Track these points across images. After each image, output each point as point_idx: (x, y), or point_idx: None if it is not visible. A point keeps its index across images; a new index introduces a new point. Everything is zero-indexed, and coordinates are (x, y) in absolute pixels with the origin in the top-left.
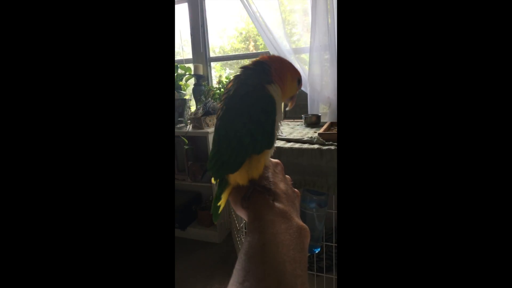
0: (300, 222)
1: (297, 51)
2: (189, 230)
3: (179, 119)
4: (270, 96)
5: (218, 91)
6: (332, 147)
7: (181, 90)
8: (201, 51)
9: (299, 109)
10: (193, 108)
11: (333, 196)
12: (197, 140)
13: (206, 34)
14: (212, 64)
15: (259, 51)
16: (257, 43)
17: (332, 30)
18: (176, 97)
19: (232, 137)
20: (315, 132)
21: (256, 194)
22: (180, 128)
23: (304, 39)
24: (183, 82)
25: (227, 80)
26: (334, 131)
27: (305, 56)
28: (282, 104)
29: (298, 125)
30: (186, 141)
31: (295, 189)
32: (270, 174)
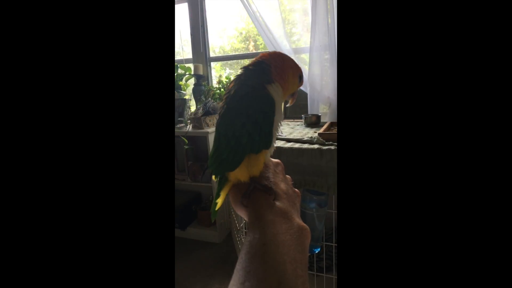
0: (301, 222)
1: (297, 51)
2: (189, 230)
3: (179, 119)
4: (270, 96)
5: (218, 91)
6: (332, 147)
7: (181, 90)
8: (201, 51)
9: (299, 109)
10: (193, 108)
11: (333, 196)
12: (197, 140)
13: (206, 34)
14: (212, 64)
15: (259, 51)
16: (257, 43)
17: (332, 30)
18: (176, 97)
19: (230, 136)
20: (315, 132)
21: (257, 193)
22: (180, 128)
23: (304, 39)
24: (183, 82)
25: (227, 80)
26: (334, 131)
27: (305, 56)
28: (283, 103)
29: (298, 125)
30: (186, 141)
31: (296, 189)
32: (270, 174)
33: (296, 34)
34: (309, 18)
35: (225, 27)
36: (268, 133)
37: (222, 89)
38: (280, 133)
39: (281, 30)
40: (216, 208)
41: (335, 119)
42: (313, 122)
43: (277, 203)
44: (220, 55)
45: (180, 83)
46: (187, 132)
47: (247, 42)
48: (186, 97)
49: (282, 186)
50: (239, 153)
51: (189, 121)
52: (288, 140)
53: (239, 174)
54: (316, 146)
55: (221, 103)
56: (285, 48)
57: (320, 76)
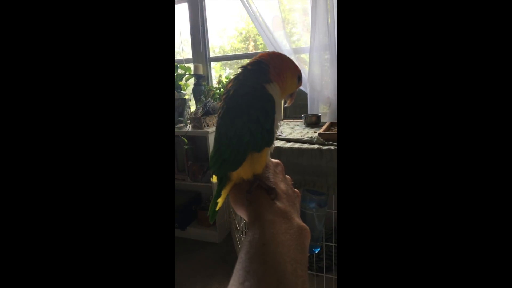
0: (301, 223)
1: (297, 51)
2: (189, 230)
3: (179, 119)
4: (270, 95)
5: (218, 91)
6: (332, 147)
7: (181, 90)
8: (201, 51)
9: (299, 109)
10: (193, 108)
11: (333, 196)
12: (197, 140)
13: (206, 34)
14: (212, 64)
15: (259, 51)
16: (257, 43)
17: (332, 30)
18: (176, 97)
19: (232, 136)
20: (315, 132)
21: (257, 192)
22: (180, 128)
23: (304, 39)
24: (183, 82)
25: (227, 80)
26: (334, 131)
27: (305, 56)
28: (282, 102)
29: (298, 125)
30: (186, 141)
31: (295, 189)
32: (270, 175)
33: (296, 34)
34: (309, 18)
35: (225, 27)
36: (269, 131)
37: (222, 89)
38: (280, 133)
39: (281, 30)
40: (217, 208)
41: (335, 119)
42: (313, 122)
43: (277, 203)
44: (220, 55)
45: (180, 83)
46: (187, 132)
47: (247, 42)
48: (186, 97)
49: (282, 186)
50: (241, 153)
51: (189, 121)
52: (288, 140)
53: (242, 173)
54: (316, 146)
55: (220, 104)
56: (285, 48)
57: (320, 76)
